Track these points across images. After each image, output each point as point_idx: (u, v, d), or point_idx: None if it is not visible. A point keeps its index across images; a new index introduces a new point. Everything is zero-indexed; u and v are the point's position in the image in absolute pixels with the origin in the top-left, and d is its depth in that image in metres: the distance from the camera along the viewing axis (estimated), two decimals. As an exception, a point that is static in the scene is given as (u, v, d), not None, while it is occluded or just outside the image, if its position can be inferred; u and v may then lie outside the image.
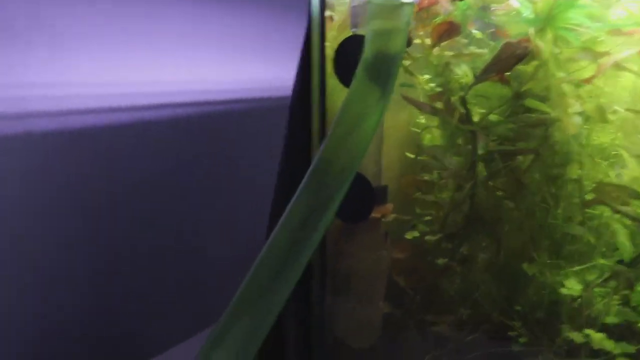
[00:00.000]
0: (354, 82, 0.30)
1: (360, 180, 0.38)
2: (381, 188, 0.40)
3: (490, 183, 0.38)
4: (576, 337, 0.35)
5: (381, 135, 0.39)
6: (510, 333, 0.42)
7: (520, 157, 0.37)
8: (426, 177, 0.43)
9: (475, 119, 0.37)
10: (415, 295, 0.43)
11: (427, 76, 0.41)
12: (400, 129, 0.44)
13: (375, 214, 0.39)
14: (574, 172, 0.36)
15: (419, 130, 0.42)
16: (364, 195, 0.38)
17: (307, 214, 0.26)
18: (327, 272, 0.42)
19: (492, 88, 0.35)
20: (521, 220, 0.38)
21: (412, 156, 0.44)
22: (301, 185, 0.28)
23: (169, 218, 0.61)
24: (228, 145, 0.69)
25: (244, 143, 0.71)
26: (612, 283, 0.37)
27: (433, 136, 0.42)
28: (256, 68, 0.72)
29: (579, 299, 0.37)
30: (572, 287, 0.34)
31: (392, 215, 0.44)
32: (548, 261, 0.37)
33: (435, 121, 0.41)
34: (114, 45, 0.54)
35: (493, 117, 0.37)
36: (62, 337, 0.52)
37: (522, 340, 0.41)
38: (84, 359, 0.54)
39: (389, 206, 0.40)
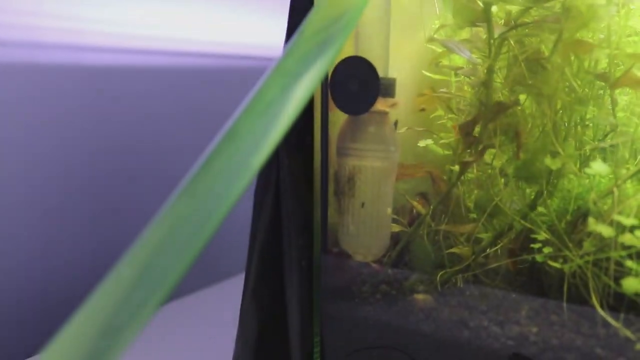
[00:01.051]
0: None
1: (363, 66, 0.35)
2: (388, 79, 0.37)
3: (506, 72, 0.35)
4: (604, 230, 0.31)
5: (388, 21, 0.37)
6: (532, 246, 0.38)
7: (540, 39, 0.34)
8: (443, 90, 0.40)
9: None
10: (428, 206, 0.39)
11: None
12: (411, 52, 0.41)
13: (381, 107, 0.36)
14: (601, 50, 0.33)
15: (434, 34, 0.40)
16: (368, 82, 0.35)
17: (305, 53, 0.23)
18: (328, 173, 0.39)
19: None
20: (542, 110, 0.34)
21: (428, 74, 0.41)
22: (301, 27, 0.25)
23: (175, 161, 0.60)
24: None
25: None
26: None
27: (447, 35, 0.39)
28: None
29: (610, 195, 0.33)
30: (597, 168, 0.30)
31: (405, 128, 0.41)
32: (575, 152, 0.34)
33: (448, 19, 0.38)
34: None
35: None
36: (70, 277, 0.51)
37: (546, 250, 0.36)
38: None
39: (397, 100, 0.37)
